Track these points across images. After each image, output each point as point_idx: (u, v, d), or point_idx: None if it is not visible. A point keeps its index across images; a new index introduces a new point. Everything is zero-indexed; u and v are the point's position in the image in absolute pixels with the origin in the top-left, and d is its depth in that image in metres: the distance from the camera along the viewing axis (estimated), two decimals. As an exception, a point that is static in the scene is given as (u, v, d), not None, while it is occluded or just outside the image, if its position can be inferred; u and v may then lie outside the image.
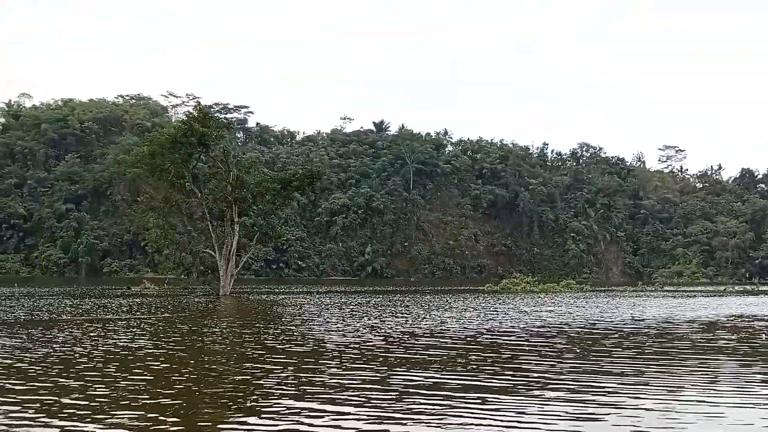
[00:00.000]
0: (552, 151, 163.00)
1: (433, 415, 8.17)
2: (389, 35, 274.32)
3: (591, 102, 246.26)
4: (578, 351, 14.63)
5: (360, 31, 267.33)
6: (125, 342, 15.50)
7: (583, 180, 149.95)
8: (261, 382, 10.50)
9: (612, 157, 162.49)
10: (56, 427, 7.44)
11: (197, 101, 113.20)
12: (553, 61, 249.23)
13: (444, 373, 11.25)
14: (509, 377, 10.90)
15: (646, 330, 19.71)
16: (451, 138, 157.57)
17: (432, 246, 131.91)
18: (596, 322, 22.51)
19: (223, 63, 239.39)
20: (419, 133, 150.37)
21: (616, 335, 18.11)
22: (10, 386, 9.81)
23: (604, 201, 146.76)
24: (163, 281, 51.47)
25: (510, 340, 16.55)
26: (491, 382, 10.36)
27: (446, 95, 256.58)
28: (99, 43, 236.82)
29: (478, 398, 9.08)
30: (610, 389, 9.83)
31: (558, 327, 20.30)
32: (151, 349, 14.48)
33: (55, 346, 14.65)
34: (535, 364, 12.38)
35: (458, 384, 10.21)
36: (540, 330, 19.32)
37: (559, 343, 16.19)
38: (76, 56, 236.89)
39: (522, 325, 20.68)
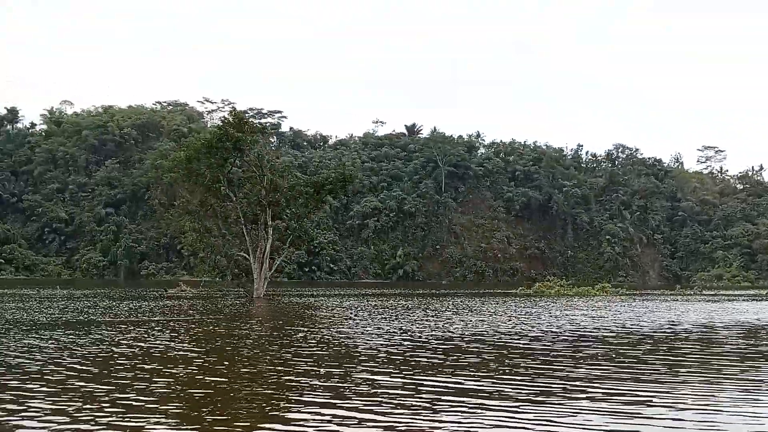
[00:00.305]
0: (587, 152, 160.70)
1: (465, 421, 8.12)
2: (389, 35, 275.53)
3: (591, 102, 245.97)
4: (614, 356, 14.38)
5: (360, 31, 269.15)
6: (160, 344, 15.82)
7: (618, 182, 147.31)
8: (293, 384, 10.60)
9: (649, 159, 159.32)
10: (89, 429, 7.63)
11: (232, 107, 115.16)
12: (553, 61, 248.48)
13: (476, 378, 11.18)
14: (543, 383, 10.75)
15: (684, 335, 19.26)
16: (483, 140, 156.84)
17: (464, 249, 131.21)
18: (633, 326, 22.08)
19: (224, 63, 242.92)
20: (451, 135, 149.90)
21: (652, 340, 17.74)
22: (46, 388, 10.10)
23: (640, 203, 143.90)
24: (198, 284, 52.29)
25: (543, 345, 16.35)
26: (524, 388, 10.24)
27: (446, 95, 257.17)
28: (99, 44, 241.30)
29: (511, 405, 8.99)
30: (646, 397, 9.62)
31: (593, 331, 19.98)
32: (185, 351, 14.75)
33: (91, 347, 15.04)
34: (570, 369, 12.20)
35: (490, 389, 10.13)
36: (574, 334, 19.04)
37: (595, 348, 15.94)
38: (76, 56, 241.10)
39: (555, 330, 20.41)
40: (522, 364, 12.83)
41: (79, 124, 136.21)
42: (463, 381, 10.81)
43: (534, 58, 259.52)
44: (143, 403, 8.92)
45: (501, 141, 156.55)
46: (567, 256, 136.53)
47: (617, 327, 21.73)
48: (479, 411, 8.60)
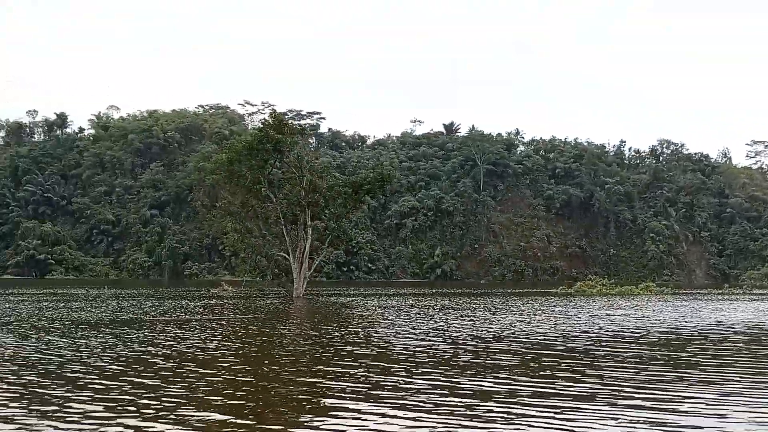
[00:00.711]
0: (630, 148, 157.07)
1: (505, 423, 8.04)
2: (389, 35, 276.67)
3: (591, 102, 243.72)
4: (659, 357, 14.01)
5: (360, 31, 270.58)
6: (201, 343, 16.13)
7: (663, 178, 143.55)
8: (331, 384, 10.67)
9: (695, 154, 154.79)
10: (131, 427, 7.83)
11: (272, 109, 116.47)
12: (553, 61, 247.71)
13: (516, 379, 11.05)
14: (585, 385, 10.54)
15: (732, 336, 18.64)
16: (522, 138, 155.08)
17: (503, 248, 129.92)
18: (678, 326, 21.50)
19: (223, 63, 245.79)
20: (490, 133, 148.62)
21: (700, 341, 17.22)
22: (91, 384, 10.42)
23: (686, 200, 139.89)
24: (240, 283, 53.21)
25: (585, 345, 16.05)
26: (566, 390, 10.07)
27: (446, 95, 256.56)
28: (99, 43, 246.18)
29: (553, 407, 8.85)
30: (693, 400, 9.35)
31: (637, 332, 19.51)
32: (225, 349, 15.01)
33: (135, 345, 15.45)
34: (613, 371, 11.94)
35: (531, 391, 10.00)
36: (618, 335, 18.63)
37: (639, 348, 15.56)
38: (76, 56, 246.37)
39: (598, 330, 20.02)
40: (565, 365, 12.62)
41: (126, 129, 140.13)
42: (502, 383, 10.69)
43: (534, 58, 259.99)
44: (183, 403, 9.10)
45: (541, 138, 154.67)
46: (609, 255, 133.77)
47: (662, 328, 21.18)
48: (520, 414, 8.49)
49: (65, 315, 25.09)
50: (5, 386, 10.26)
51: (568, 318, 25.18)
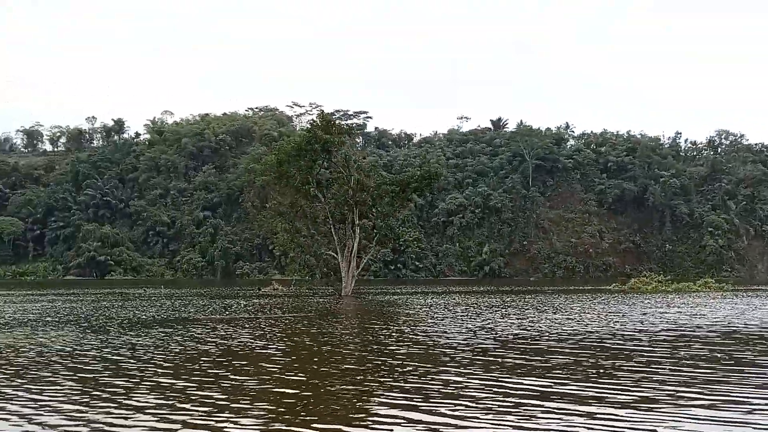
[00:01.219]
0: (686, 140, 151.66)
1: (555, 425, 7.91)
2: (389, 35, 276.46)
3: (591, 102, 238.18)
4: (719, 358, 13.50)
5: (360, 31, 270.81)
6: (251, 341, 16.46)
7: (722, 170, 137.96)
8: (380, 381, 10.73)
9: (755, 144, 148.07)
10: (178, 422, 8.06)
11: (320, 110, 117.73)
12: (553, 61, 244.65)
13: (566, 380, 10.85)
14: (640, 387, 10.25)
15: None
16: (572, 132, 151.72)
17: (552, 244, 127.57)
18: (739, 325, 20.66)
19: (224, 63, 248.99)
20: (539, 128, 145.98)
21: (761, 341, 16.52)
22: (147, 380, 10.78)
23: (746, 192, 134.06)
24: (290, 282, 54.04)
25: (639, 345, 15.60)
26: (620, 393, 9.79)
27: (446, 95, 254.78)
28: (99, 43, 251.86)
29: (605, 411, 8.64)
30: (757, 405, 8.99)
31: (695, 331, 18.85)
32: (273, 349, 15.27)
33: (188, 342, 15.89)
34: (670, 373, 11.58)
35: (583, 393, 9.80)
36: (674, 334, 18.04)
37: (697, 349, 15.03)
38: (76, 56, 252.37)
39: (652, 329, 19.43)
40: (618, 365, 12.31)
41: (179, 133, 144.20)
42: (552, 383, 10.51)
43: (534, 58, 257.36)
44: (231, 401, 9.31)
45: (592, 132, 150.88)
46: (665, 250, 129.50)
47: (721, 326, 20.40)
48: (570, 416, 8.34)
49: (123, 314, 26.04)
50: (69, 382, 10.75)
51: (622, 316, 24.53)
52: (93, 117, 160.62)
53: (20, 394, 9.82)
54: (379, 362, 12.97)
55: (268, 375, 11.47)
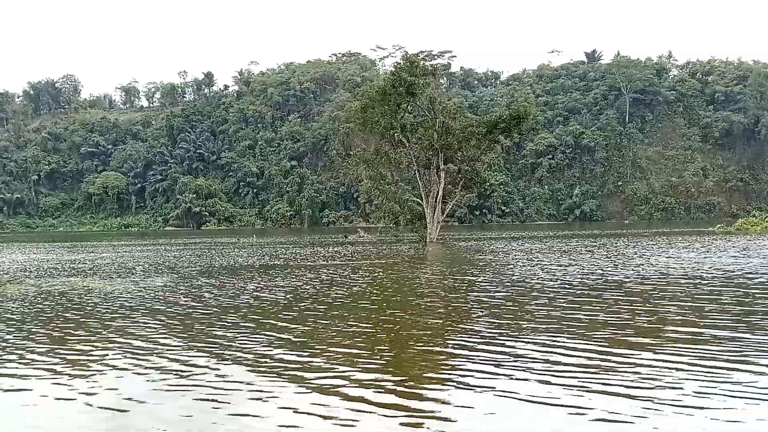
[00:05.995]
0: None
1: (658, 376, 7.14)
2: None
3: (697, 28, 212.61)
4: None
5: None
6: (342, 286, 16.41)
7: None
8: (464, 341, 10.26)
9: None
10: (267, 355, 7.95)
11: (404, 51, 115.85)
12: None
13: (700, 326, 9.91)
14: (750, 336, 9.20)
15: None
16: (676, 61, 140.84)
17: (650, 184, 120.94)
18: None
19: (306, 9, 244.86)
20: (637, 58, 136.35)
21: None
22: (242, 323, 10.86)
23: None
24: (375, 230, 54.39)
25: (752, 290, 14.16)
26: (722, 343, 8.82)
27: (537, 28, 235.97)
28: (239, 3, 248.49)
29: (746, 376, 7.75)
30: None
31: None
32: (365, 292, 15.13)
33: (277, 290, 16.05)
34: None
35: (716, 344, 8.87)
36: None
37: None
38: (166, 11, 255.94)
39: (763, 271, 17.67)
40: (728, 311, 11.15)
41: (265, 83, 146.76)
42: (656, 337, 9.63)
43: None
44: (326, 339, 9.14)
45: (698, 60, 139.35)
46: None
47: None
48: (692, 378, 7.52)
49: (218, 262, 27.00)
50: (171, 322, 11.12)
51: (732, 258, 22.61)
52: (184, 71, 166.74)
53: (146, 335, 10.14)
54: (464, 314, 12.48)
55: (358, 317, 11.26)
